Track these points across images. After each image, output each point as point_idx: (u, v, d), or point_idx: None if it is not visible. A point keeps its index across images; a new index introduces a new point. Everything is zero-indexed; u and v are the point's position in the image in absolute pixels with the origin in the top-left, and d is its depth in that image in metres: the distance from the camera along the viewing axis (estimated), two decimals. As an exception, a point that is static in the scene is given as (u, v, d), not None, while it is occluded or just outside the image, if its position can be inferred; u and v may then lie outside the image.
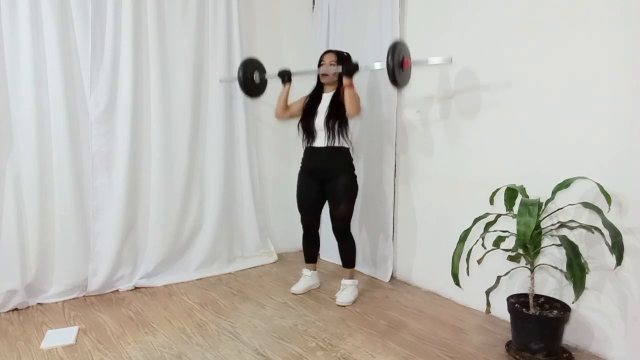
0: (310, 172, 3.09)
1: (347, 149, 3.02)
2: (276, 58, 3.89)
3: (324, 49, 3.79)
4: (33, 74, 2.83)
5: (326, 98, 3.04)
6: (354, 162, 3.06)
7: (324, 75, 3.02)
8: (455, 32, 2.95)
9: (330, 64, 3.00)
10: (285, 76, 3.15)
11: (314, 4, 4.00)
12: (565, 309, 2.33)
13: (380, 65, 2.73)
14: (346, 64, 2.88)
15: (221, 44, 3.51)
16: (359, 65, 2.83)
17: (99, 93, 3.05)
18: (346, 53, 3.08)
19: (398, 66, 2.60)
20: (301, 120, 3.11)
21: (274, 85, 3.49)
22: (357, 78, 3.54)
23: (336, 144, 2.95)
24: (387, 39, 3.27)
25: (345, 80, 2.85)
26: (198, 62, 3.44)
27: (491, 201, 2.46)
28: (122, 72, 3.11)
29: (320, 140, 2.99)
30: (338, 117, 2.94)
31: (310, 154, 3.07)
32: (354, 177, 3.04)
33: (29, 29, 2.79)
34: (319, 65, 3.07)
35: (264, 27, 3.85)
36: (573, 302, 2.22)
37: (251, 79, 3.34)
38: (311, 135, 3.03)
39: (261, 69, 3.40)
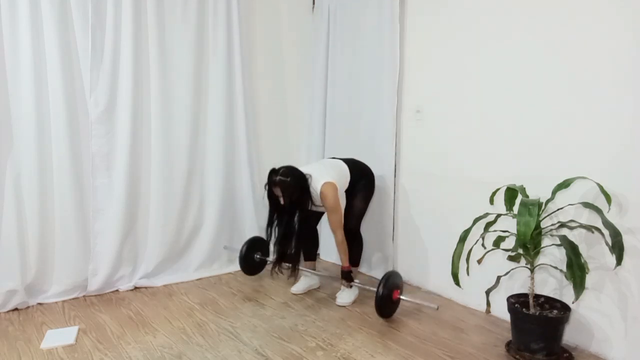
0: None
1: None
2: (276, 58, 3.90)
3: (324, 49, 3.82)
4: (33, 74, 2.83)
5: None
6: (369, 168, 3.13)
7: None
8: (455, 32, 2.95)
9: (280, 196, 2.78)
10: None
11: (314, 4, 4.00)
12: (565, 309, 2.33)
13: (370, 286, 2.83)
14: (342, 281, 2.96)
15: (221, 44, 3.51)
16: (352, 284, 2.97)
17: (99, 93, 3.04)
18: (288, 181, 2.75)
19: (387, 296, 2.67)
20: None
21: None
22: (355, 70, 3.54)
23: None
24: (387, 38, 3.28)
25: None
26: (198, 62, 3.44)
27: (491, 201, 2.46)
28: (122, 72, 3.11)
29: None
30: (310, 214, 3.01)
31: None
32: (372, 178, 3.11)
33: (29, 29, 2.79)
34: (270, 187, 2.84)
35: (264, 27, 3.85)
36: (573, 302, 2.23)
37: (252, 257, 3.40)
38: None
39: (264, 251, 3.45)
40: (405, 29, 3.27)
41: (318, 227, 3.28)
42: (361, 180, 3.06)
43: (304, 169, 2.90)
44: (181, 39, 3.35)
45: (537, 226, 2.24)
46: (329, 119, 3.85)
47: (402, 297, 2.76)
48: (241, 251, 3.34)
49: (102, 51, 3.05)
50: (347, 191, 3.07)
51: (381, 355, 2.38)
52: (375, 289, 2.66)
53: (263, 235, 3.14)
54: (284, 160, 3.95)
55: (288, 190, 2.75)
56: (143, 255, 3.36)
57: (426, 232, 3.26)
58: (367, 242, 3.60)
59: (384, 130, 3.38)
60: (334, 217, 2.85)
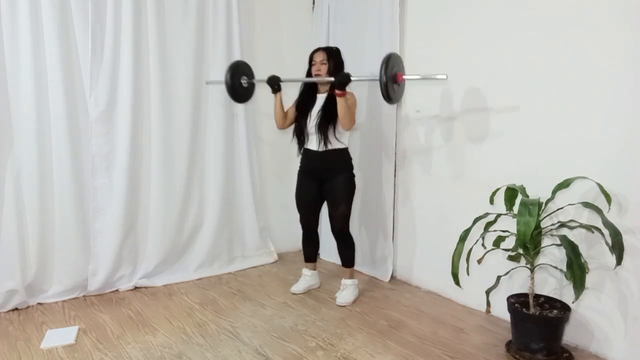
0: (308, 172, 3.08)
1: (345, 149, 3.01)
2: (276, 58, 3.90)
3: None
4: (33, 74, 2.83)
5: (320, 99, 3.00)
6: (353, 161, 3.05)
7: (317, 76, 2.95)
8: (456, 32, 2.95)
9: (322, 63, 2.93)
10: (275, 85, 3.02)
11: (314, 4, 4.00)
12: (565, 308, 2.33)
13: (372, 76, 2.61)
14: (338, 76, 2.73)
15: (221, 44, 3.51)
16: (351, 77, 2.70)
17: (99, 93, 3.04)
18: (335, 48, 3.03)
19: (391, 80, 2.51)
20: (295, 123, 3.09)
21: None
22: (355, 69, 3.52)
23: (331, 147, 2.93)
24: (387, 38, 3.28)
25: (336, 91, 2.73)
26: (198, 61, 3.44)
27: (491, 201, 2.46)
28: (122, 72, 3.11)
29: (314, 144, 2.97)
30: (331, 121, 2.89)
31: (308, 155, 3.06)
32: (352, 176, 3.03)
33: (29, 29, 2.79)
34: (310, 64, 3.01)
35: (264, 27, 3.85)
36: (573, 302, 2.22)
37: (239, 83, 3.16)
38: (304, 139, 3.02)
39: (249, 74, 3.23)
40: (405, 29, 3.27)
41: (318, 228, 3.27)
42: (343, 173, 2.99)
43: None
44: (181, 38, 3.34)
45: (537, 226, 2.24)
46: (329, 118, 3.85)
47: (406, 77, 2.63)
48: (226, 79, 3.08)
49: (102, 51, 3.04)
50: (328, 188, 3.01)
51: (381, 355, 2.38)
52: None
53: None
54: (283, 160, 3.97)
55: (334, 56, 2.97)
56: (143, 255, 3.36)
57: (426, 232, 3.26)
58: (367, 241, 3.61)
59: (385, 130, 3.38)
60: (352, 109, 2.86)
